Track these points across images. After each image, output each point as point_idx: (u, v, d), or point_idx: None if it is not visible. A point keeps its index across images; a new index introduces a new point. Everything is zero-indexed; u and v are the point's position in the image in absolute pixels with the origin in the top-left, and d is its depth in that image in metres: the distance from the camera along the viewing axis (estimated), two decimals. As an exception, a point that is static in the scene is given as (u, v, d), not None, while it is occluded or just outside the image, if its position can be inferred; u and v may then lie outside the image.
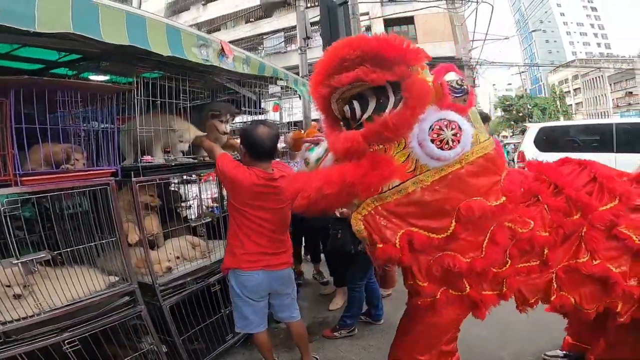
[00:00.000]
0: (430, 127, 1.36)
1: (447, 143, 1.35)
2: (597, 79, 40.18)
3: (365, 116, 1.44)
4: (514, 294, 1.57)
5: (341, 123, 1.56)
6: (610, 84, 37.86)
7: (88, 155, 1.81)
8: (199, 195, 2.74)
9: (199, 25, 20.35)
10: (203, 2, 20.25)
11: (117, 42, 1.53)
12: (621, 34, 71.82)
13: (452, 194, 1.40)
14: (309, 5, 7.38)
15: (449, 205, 1.40)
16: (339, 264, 2.96)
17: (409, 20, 16.29)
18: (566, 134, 6.76)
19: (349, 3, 5.52)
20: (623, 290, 1.48)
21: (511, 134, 32.98)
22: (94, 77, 2.33)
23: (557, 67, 43.90)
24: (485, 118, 3.73)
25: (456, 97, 1.42)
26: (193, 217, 2.91)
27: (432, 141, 1.35)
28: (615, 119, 12.44)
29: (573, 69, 41.80)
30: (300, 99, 5.01)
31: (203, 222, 2.45)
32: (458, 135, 1.36)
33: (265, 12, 7.08)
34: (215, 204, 3.26)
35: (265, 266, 1.94)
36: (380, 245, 1.40)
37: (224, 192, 2.94)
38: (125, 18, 1.60)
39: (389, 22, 16.33)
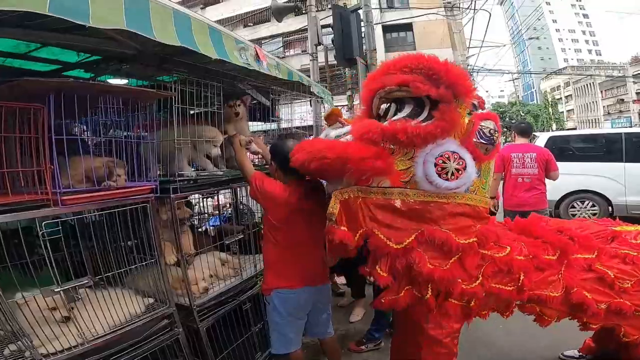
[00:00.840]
0: (440, 153, 1.42)
1: (447, 174, 1.42)
2: (588, 85, 40.51)
3: (394, 117, 1.52)
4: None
5: (374, 118, 1.64)
6: (602, 91, 37.97)
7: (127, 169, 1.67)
8: (235, 206, 2.59)
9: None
10: (201, 6, 20.22)
11: (168, 42, 1.40)
12: (612, 40, 72.76)
13: (426, 219, 1.48)
14: (317, 9, 7.29)
15: (417, 226, 1.47)
16: (357, 275, 2.85)
17: (408, 27, 16.44)
18: (576, 143, 6.77)
19: (361, 10, 5.50)
20: (593, 312, 1.65)
21: (504, 141, 33.28)
22: (113, 81, 2.18)
23: (549, 74, 44.46)
24: (525, 131, 3.68)
25: (481, 142, 1.49)
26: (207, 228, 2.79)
27: (435, 165, 1.42)
28: (624, 128, 12.52)
29: (565, 75, 42.45)
30: (310, 105, 4.92)
31: (236, 238, 2.31)
32: (460, 173, 1.43)
33: (275, 17, 6.92)
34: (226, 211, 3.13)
35: (309, 282, 1.88)
36: (343, 229, 1.47)
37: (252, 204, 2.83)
38: (172, 16, 1.48)
39: (387, 29, 16.41)
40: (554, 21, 65.91)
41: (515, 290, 1.58)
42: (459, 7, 14.39)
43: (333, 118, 2.02)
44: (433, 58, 1.46)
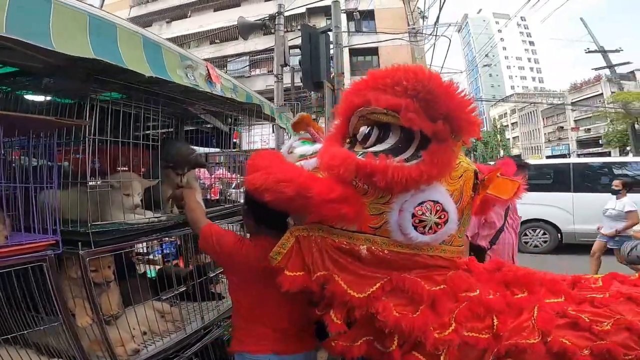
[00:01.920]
0: (421, 202, 1.21)
1: (424, 227, 1.22)
2: (532, 113, 42.94)
3: (375, 148, 1.25)
4: None
5: (347, 139, 1.38)
6: (543, 119, 40.05)
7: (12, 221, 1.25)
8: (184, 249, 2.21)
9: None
10: (168, 20, 19.82)
11: (75, 53, 1.05)
12: (553, 68, 79.31)
13: (394, 267, 1.28)
14: (286, 29, 7.14)
15: (383, 274, 1.27)
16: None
17: (374, 52, 16.97)
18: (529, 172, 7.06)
19: (331, 32, 5.38)
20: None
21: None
22: (31, 97, 1.81)
23: (497, 101, 47.02)
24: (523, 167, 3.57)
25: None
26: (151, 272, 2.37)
27: (413, 216, 1.21)
28: (573, 159, 13.43)
29: (511, 103, 45.42)
30: (273, 130, 4.63)
31: (177, 291, 1.93)
32: (439, 227, 1.24)
33: (241, 34, 6.65)
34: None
35: (277, 351, 1.54)
36: (298, 274, 1.27)
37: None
38: (87, 21, 1.14)
39: (354, 52, 16.84)
40: (504, 48, 70.37)
41: (492, 337, 1.32)
42: (423, 33, 14.99)
43: (302, 126, 1.71)
44: (435, 77, 1.19)
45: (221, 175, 2.84)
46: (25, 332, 1.33)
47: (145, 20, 20.48)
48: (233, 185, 3.27)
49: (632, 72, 27.03)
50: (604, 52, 22.34)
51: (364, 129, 1.31)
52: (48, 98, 1.80)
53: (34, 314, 1.40)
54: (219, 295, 2.21)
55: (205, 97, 1.93)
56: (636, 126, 18.05)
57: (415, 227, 1.21)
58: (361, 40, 16.48)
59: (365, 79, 1.30)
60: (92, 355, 1.50)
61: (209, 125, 2.68)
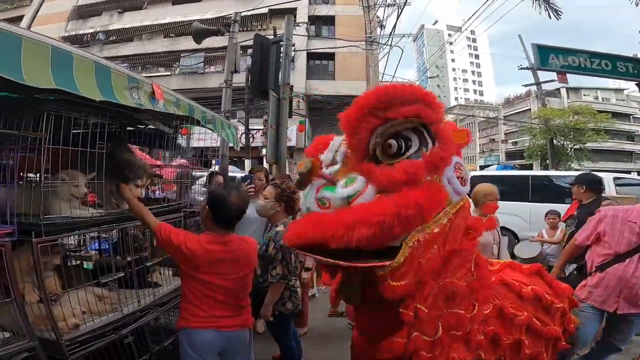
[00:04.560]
0: (453, 166, 1.49)
1: (464, 180, 1.52)
2: (470, 124, 45.06)
3: (410, 152, 1.40)
4: None
5: (366, 159, 1.43)
6: (479, 130, 42.38)
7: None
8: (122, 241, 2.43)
9: (109, 33, 18.60)
10: (120, 10, 18.61)
11: (42, 85, 1.35)
12: (494, 82, 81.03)
13: (461, 223, 1.54)
14: (247, 29, 7.25)
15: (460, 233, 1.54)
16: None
17: (330, 57, 17.41)
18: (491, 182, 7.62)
19: (282, 43, 5.72)
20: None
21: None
22: None
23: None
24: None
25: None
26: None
27: (457, 178, 1.49)
28: (531, 171, 13.63)
29: (453, 115, 48.20)
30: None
31: (115, 277, 2.18)
32: (466, 175, 1.55)
33: (195, 39, 6.70)
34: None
35: (217, 327, 1.86)
36: (401, 283, 1.30)
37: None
38: (50, 54, 1.42)
39: (311, 56, 17.17)
40: (453, 60, 72.73)
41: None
42: (378, 42, 15.49)
43: (309, 179, 1.45)
44: (415, 87, 1.52)
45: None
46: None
47: (94, 10, 19.10)
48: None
49: (558, 89, 29.45)
50: (533, 69, 24.67)
51: (392, 142, 1.39)
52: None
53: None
54: (155, 284, 2.48)
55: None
56: (554, 142, 19.96)
57: (462, 185, 1.50)
58: (320, 45, 16.85)
59: (360, 106, 1.40)
60: (36, 329, 1.72)
61: (152, 127, 2.90)
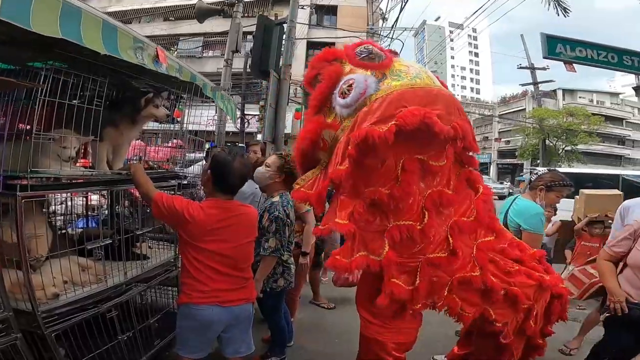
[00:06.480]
0: (338, 89, 1.78)
1: (343, 93, 1.74)
2: None
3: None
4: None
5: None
6: (474, 128, 43.46)
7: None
8: (110, 208, 2.42)
9: (107, 15, 18.25)
10: None
11: (48, 33, 1.37)
12: (491, 80, 79.50)
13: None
14: (244, 15, 7.27)
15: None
16: None
17: (331, 46, 17.29)
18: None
19: (286, 24, 5.72)
20: (498, 299, 1.85)
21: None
22: None
23: None
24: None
25: (362, 58, 1.82)
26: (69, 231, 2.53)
27: (338, 95, 1.76)
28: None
29: None
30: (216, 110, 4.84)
31: (102, 244, 2.07)
32: (352, 86, 1.72)
33: (198, 18, 6.67)
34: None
35: (221, 302, 1.79)
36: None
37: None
38: (61, 7, 1.45)
39: (311, 45, 17.15)
40: (452, 57, 70.78)
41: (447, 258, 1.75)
42: (379, 35, 15.49)
43: None
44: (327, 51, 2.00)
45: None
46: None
47: (90, -12, 18.73)
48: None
49: (554, 90, 29.84)
50: (532, 68, 24.80)
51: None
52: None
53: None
54: (144, 256, 2.38)
55: (151, 73, 2.17)
56: (547, 142, 20.39)
57: (343, 98, 1.73)
58: (321, 34, 16.81)
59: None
60: (11, 298, 1.61)
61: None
